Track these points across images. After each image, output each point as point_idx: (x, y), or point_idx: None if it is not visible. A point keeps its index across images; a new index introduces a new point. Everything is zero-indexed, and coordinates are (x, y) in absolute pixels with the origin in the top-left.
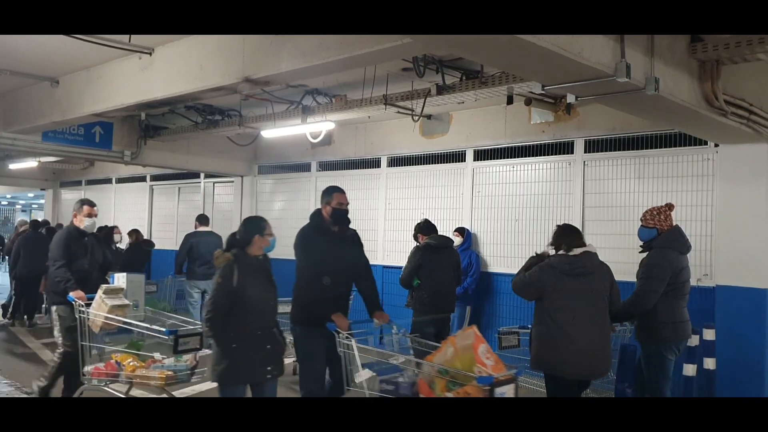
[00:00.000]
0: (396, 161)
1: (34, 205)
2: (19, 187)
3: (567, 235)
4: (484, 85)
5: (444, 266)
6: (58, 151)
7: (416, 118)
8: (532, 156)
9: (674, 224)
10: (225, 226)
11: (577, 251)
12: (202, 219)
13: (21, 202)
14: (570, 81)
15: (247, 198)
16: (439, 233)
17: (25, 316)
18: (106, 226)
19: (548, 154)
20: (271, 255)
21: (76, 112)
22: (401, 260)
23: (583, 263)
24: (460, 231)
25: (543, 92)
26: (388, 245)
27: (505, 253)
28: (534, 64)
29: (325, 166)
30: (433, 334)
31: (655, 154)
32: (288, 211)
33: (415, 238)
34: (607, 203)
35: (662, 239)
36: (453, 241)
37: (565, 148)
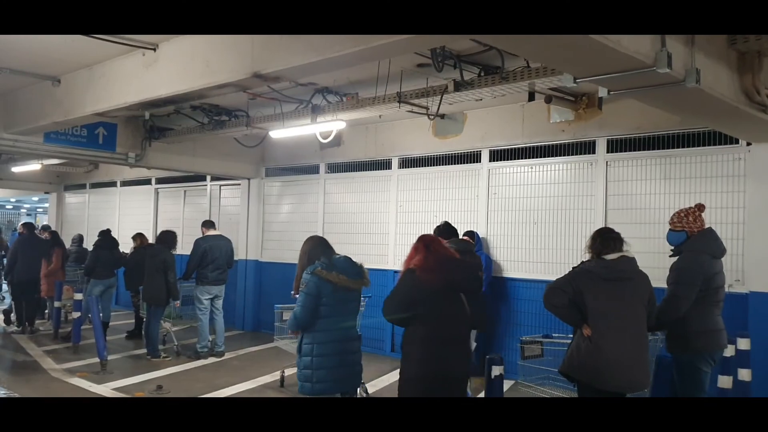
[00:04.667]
0: (408, 162)
1: (39, 209)
2: (23, 190)
3: (604, 239)
4: (504, 81)
5: None
6: (61, 153)
7: (431, 116)
8: (551, 156)
9: (706, 226)
10: (232, 229)
11: (613, 256)
12: (210, 224)
13: (26, 205)
14: (605, 72)
15: (254, 201)
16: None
17: (26, 322)
18: (169, 230)
19: (568, 155)
20: (279, 259)
21: (78, 112)
22: None
23: (621, 268)
24: (470, 235)
25: (565, 88)
26: (399, 249)
27: (522, 258)
28: (570, 53)
29: (334, 168)
30: None
31: (682, 153)
32: (296, 214)
33: None
34: (632, 205)
35: (693, 242)
36: (474, 245)
37: (586, 148)
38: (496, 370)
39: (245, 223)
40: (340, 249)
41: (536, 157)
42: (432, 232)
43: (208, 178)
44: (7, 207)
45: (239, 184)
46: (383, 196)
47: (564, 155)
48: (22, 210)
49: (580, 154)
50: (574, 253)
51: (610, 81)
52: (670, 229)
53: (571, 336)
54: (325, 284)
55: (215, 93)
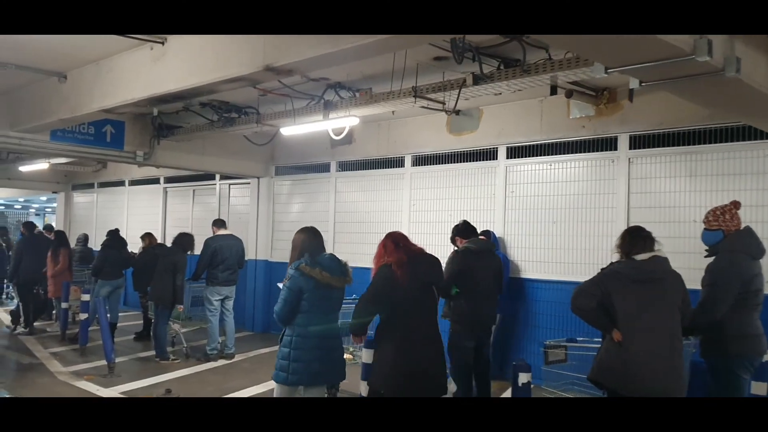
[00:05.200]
0: (421, 160)
1: (47, 209)
2: (31, 190)
3: (633, 238)
4: (526, 74)
5: (486, 273)
6: (68, 151)
7: (448, 112)
8: (571, 153)
9: (743, 225)
10: (241, 229)
11: (643, 256)
12: (221, 223)
13: (34, 205)
14: (640, 62)
15: (264, 200)
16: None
17: (32, 322)
18: (186, 233)
19: (589, 151)
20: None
21: (84, 108)
22: None
23: (652, 268)
24: (486, 234)
25: (587, 82)
26: None
27: (540, 258)
28: (604, 42)
29: (346, 166)
30: (472, 348)
31: (709, 150)
32: (306, 213)
33: (453, 241)
34: (656, 204)
35: (729, 242)
36: (495, 245)
37: (608, 144)
38: (524, 378)
39: (255, 222)
40: (352, 249)
41: (555, 154)
42: (450, 232)
43: (218, 177)
44: (16, 207)
45: (249, 183)
46: (396, 195)
47: (584, 152)
48: (31, 210)
49: (601, 150)
50: (595, 253)
51: (643, 71)
52: (705, 228)
53: (597, 340)
54: (307, 280)
55: (225, 87)
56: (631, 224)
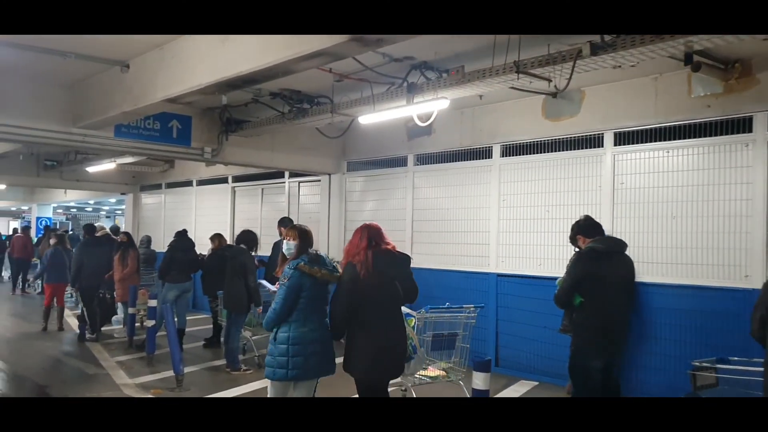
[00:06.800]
0: (512, 150)
1: (117, 211)
2: (100, 192)
3: None
4: (658, 39)
5: (615, 278)
6: (133, 149)
7: (558, 91)
8: (694, 137)
9: None
10: (312, 229)
11: None
12: (289, 223)
13: (105, 208)
14: None
15: (335, 198)
16: (607, 234)
17: (100, 328)
18: (249, 230)
19: (716, 135)
20: None
21: (148, 99)
22: (519, 267)
23: None
24: None
25: (717, 53)
26: (502, 250)
27: (657, 259)
28: None
29: (424, 160)
30: (600, 369)
31: None
32: (381, 211)
33: (573, 241)
34: None
35: None
36: (626, 245)
37: (740, 125)
38: None
39: (326, 221)
40: (431, 249)
41: (673, 139)
42: (571, 230)
43: (287, 174)
44: (87, 209)
45: (319, 181)
46: (482, 190)
47: (710, 135)
48: (102, 212)
49: (732, 133)
50: (728, 252)
51: None
52: None
53: (757, 361)
54: (306, 279)
55: (303, 66)
56: None
